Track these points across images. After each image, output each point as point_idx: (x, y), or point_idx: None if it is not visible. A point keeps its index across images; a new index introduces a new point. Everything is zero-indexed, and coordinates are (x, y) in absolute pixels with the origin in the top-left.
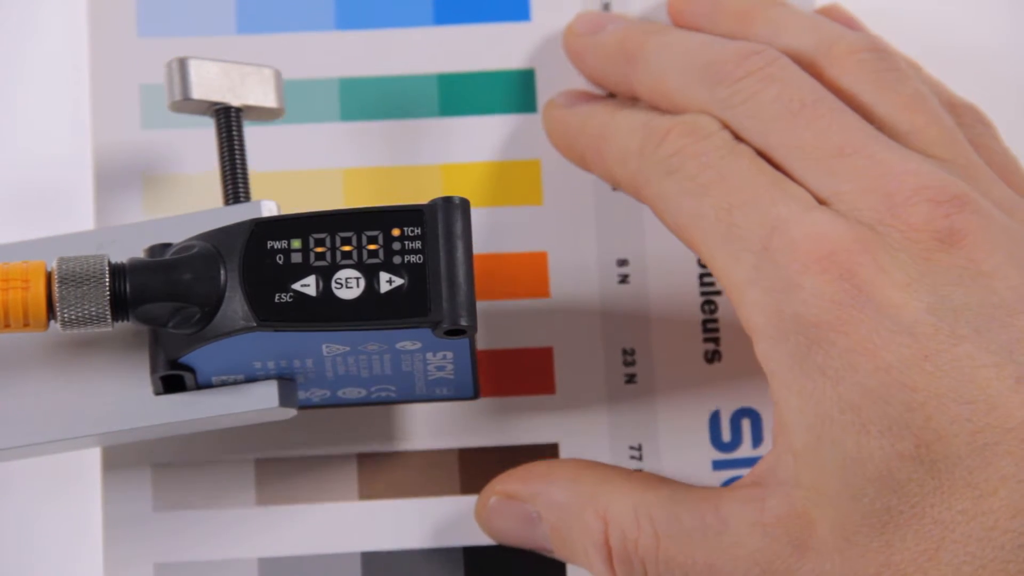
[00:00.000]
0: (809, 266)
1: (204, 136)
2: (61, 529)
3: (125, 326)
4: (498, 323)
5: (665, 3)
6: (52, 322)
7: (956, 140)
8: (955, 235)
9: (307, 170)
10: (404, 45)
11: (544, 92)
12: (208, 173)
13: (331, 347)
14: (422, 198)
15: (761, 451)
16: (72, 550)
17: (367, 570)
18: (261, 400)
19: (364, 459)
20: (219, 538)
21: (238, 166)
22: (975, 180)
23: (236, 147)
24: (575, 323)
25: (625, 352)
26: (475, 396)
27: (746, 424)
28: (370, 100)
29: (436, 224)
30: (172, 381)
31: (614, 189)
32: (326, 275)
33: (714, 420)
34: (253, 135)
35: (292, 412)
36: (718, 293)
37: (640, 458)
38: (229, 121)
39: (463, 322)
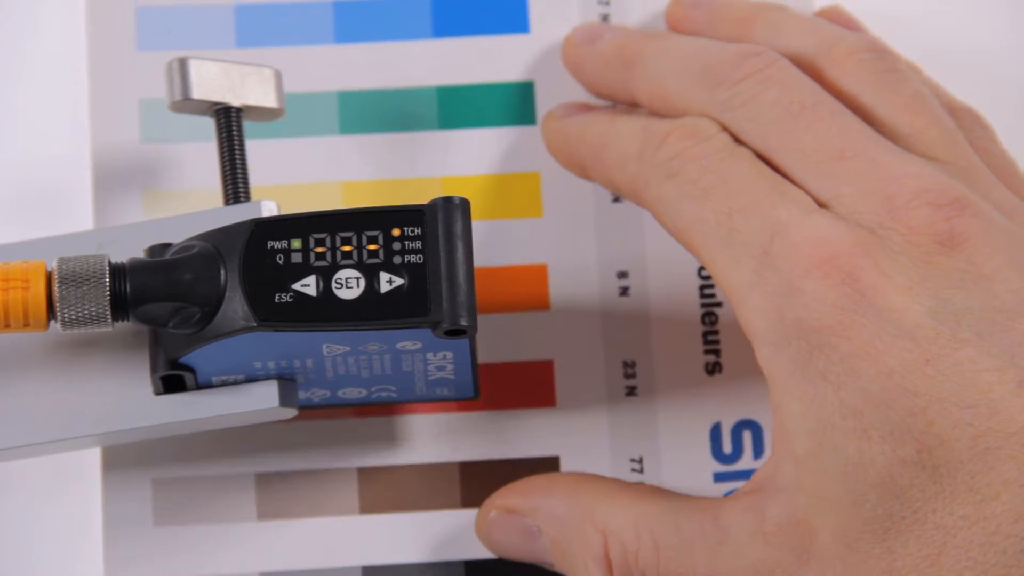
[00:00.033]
0: (810, 270)
1: (203, 150)
2: (61, 529)
3: (125, 326)
4: (499, 335)
5: (664, 13)
6: (52, 322)
7: (956, 142)
8: (956, 238)
9: (307, 183)
10: (403, 58)
11: (543, 104)
12: (208, 190)
13: (331, 347)
14: None
15: (762, 463)
16: (72, 550)
17: None
18: (261, 400)
19: (365, 473)
20: (220, 553)
21: (238, 166)
22: (975, 182)
23: (236, 147)
24: (575, 335)
25: (626, 364)
26: (475, 396)
27: (747, 436)
28: (369, 113)
29: (436, 224)
30: (172, 381)
31: (615, 199)
32: (326, 275)
33: (715, 432)
34: (253, 149)
35: (292, 412)
36: (719, 304)
37: (641, 471)
38: (229, 121)
39: (463, 322)
